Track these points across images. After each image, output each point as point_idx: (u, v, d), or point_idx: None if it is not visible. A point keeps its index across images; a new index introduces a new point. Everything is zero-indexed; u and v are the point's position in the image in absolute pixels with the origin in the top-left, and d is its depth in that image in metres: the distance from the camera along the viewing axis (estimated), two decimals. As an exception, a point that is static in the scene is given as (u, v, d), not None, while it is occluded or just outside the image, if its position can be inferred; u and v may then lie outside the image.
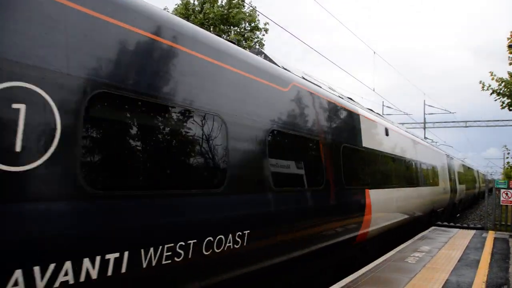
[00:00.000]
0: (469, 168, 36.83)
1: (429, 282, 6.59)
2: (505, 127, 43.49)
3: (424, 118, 41.14)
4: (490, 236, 12.35)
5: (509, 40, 19.13)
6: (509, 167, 33.54)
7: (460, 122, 45.87)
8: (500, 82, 20.36)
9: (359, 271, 7.17)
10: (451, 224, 15.48)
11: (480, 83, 21.00)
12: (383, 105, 31.78)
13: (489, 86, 20.90)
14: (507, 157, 31.38)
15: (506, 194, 13.98)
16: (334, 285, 6.21)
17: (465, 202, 30.00)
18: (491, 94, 20.83)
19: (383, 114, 32.30)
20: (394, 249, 9.46)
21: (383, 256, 8.60)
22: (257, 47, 21.20)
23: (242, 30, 21.52)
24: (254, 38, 21.35)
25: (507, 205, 14.02)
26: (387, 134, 10.42)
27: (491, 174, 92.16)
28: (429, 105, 40.32)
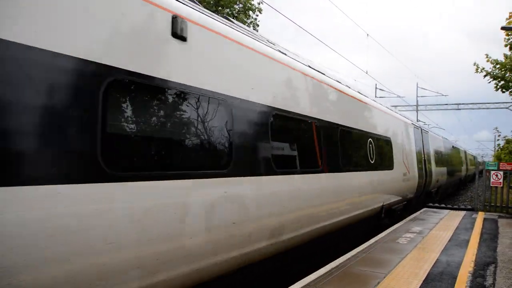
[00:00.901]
0: (453, 147, 30.33)
1: (420, 261, 6.72)
2: (496, 110, 43.75)
3: (417, 101, 41.35)
4: (480, 216, 12.55)
5: (507, 22, 19.18)
6: (499, 149, 33.87)
7: (453, 104, 46.09)
8: (495, 64, 20.50)
9: (351, 252, 7.28)
10: (442, 205, 15.70)
11: (474, 65, 21.12)
12: (376, 87, 31.79)
13: (483, 68, 21.05)
14: (498, 139, 31.71)
15: (496, 175, 14.17)
16: (326, 266, 6.31)
17: (447, 188, 24.55)
18: (484, 76, 20.98)
19: (376, 96, 32.36)
20: (385, 231, 9.60)
21: (374, 237, 8.72)
22: (251, 28, 21.00)
23: (235, 12, 21.27)
24: (247, 20, 21.13)
25: (496, 187, 14.23)
26: (233, 57, 5.03)
27: (482, 157, 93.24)
28: (422, 88, 40.61)
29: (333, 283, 5.46)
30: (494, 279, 5.93)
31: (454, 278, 5.85)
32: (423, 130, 17.20)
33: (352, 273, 5.99)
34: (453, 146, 29.37)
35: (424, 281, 5.66)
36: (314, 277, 5.70)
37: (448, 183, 23.78)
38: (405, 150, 13.05)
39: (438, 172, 19.27)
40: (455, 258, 7.00)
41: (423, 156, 15.96)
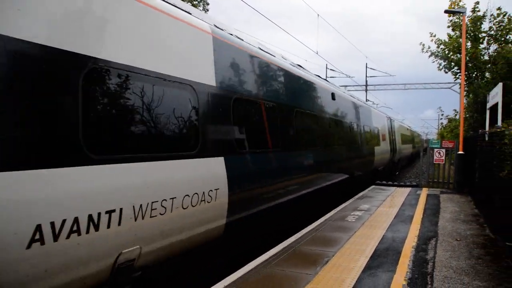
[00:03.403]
0: (336, 98, 12.02)
1: (367, 238, 6.92)
2: (441, 90, 45.68)
3: (366, 81, 42.36)
4: (424, 193, 13.14)
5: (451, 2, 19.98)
6: (442, 128, 35.57)
7: (400, 84, 47.66)
8: (439, 43, 21.34)
9: (301, 231, 7.38)
10: (390, 182, 16.29)
11: (421, 44, 21.88)
12: (326, 67, 32.25)
13: (429, 48, 21.87)
14: (441, 118, 33.26)
15: (439, 153, 14.84)
16: (277, 246, 6.36)
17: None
18: (429, 56, 21.82)
19: (326, 76, 32.85)
20: (335, 209, 9.82)
21: (324, 216, 8.91)
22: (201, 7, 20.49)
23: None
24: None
25: (439, 163, 14.94)
26: None
27: (426, 134, 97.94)
28: (371, 68, 41.60)
29: (283, 263, 5.50)
30: (435, 252, 6.21)
31: (398, 253, 6.07)
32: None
33: (302, 253, 6.06)
34: (333, 97, 11.66)
35: (371, 257, 5.83)
36: (265, 258, 5.72)
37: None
38: None
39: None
40: (400, 234, 7.27)
41: None
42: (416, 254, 6.08)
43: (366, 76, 42.07)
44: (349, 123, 13.22)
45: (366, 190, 13.54)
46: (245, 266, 5.29)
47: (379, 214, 9.25)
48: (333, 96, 11.37)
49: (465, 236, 7.22)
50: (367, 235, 7.16)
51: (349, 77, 36.22)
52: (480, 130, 11.32)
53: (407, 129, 37.76)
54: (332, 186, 11.08)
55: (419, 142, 53.27)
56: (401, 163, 29.23)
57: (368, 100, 38.15)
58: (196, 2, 20.27)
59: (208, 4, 21.14)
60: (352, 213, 9.23)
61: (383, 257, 5.88)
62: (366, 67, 41.68)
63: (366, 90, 42.42)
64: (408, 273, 5.19)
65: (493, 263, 5.69)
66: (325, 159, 10.53)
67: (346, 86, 40.08)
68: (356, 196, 12.07)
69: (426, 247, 6.51)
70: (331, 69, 35.50)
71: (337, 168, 11.68)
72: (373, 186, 14.85)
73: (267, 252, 6.06)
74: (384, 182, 16.35)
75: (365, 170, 15.59)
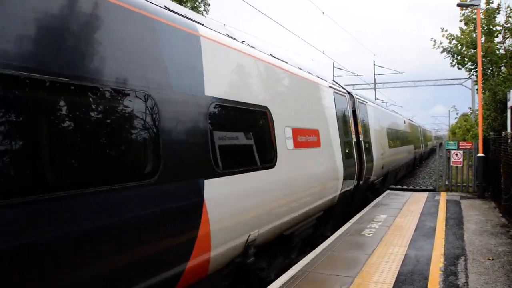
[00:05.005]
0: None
1: (388, 259, 6.22)
2: (450, 86, 44.74)
3: (374, 79, 41.52)
4: (443, 198, 12.36)
5: None
6: (456, 125, 34.62)
7: (409, 82, 46.77)
8: (451, 39, 20.45)
9: (314, 251, 6.70)
10: (404, 187, 15.51)
11: (432, 40, 20.97)
12: (333, 66, 31.50)
13: (440, 43, 20.97)
14: (456, 117, 32.26)
15: (456, 155, 14.06)
16: (288, 271, 5.69)
17: None
18: (441, 52, 20.92)
19: (334, 75, 32.09)
20: (350, 220, 9.13)
21: (339, 230, 8.22)
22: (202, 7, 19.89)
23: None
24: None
25: (457, 166, 14.15)
26: None
27: (436, 131, 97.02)
28: (379, 66, 40.69)
29: (295, 295, 4.83)
30: (467, 276, 5.50)
31: (425, 278, 5.36)
32: None
33: (316, 280, 5.38)
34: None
35: (394, 285, 5.14)
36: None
37: None
38: None
39: None
40: (424, 252, 6.55)
41: None
42: (446, 279, 5.37)
43: (374, 74, 41.23)
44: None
45: (381, 197, 12.80)
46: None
47: (398, 226, 8.52)
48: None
49: (497, 254, 6.48)
50: (388, 254, 6.46)
51: (357, 75, 35.44)
52: (503, 132, 10.51)
53: (405, 121, 24.72)
54: None
55: (429, 138, 50.31)
56: (390, 180, 17.07)
57: (377, 99, 37.33)
58: (197, 4, 19.67)
59: (209, 5, 20.52)
60: (368, 226, 8.52)
61: (409, 283, 5.18)
62: (374, 64, 40.83)
63: (375, 88, 41.61)
64: (441, 307, 4.49)
65: (536, 290, 4.97)
66: None
67: (354, 84, 39.28)
68: (371, 204, 11.35)
69: (455, 269, 5.79)
70: (338, 68, 34.75)
71: None
72: (387, 191, 14.10)
73: (278, 279, 5.40)
74: (399, 186, 15.58)
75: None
